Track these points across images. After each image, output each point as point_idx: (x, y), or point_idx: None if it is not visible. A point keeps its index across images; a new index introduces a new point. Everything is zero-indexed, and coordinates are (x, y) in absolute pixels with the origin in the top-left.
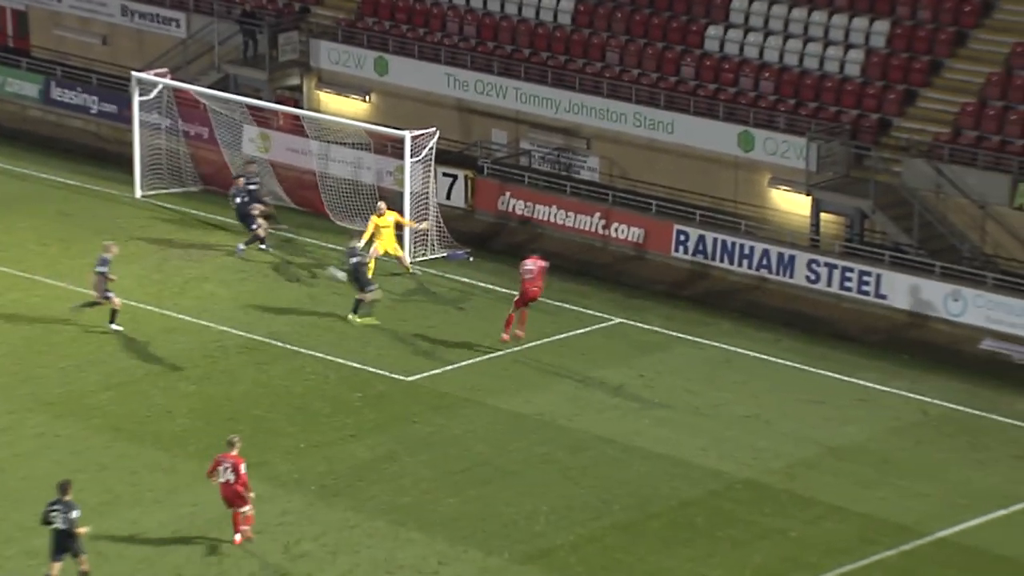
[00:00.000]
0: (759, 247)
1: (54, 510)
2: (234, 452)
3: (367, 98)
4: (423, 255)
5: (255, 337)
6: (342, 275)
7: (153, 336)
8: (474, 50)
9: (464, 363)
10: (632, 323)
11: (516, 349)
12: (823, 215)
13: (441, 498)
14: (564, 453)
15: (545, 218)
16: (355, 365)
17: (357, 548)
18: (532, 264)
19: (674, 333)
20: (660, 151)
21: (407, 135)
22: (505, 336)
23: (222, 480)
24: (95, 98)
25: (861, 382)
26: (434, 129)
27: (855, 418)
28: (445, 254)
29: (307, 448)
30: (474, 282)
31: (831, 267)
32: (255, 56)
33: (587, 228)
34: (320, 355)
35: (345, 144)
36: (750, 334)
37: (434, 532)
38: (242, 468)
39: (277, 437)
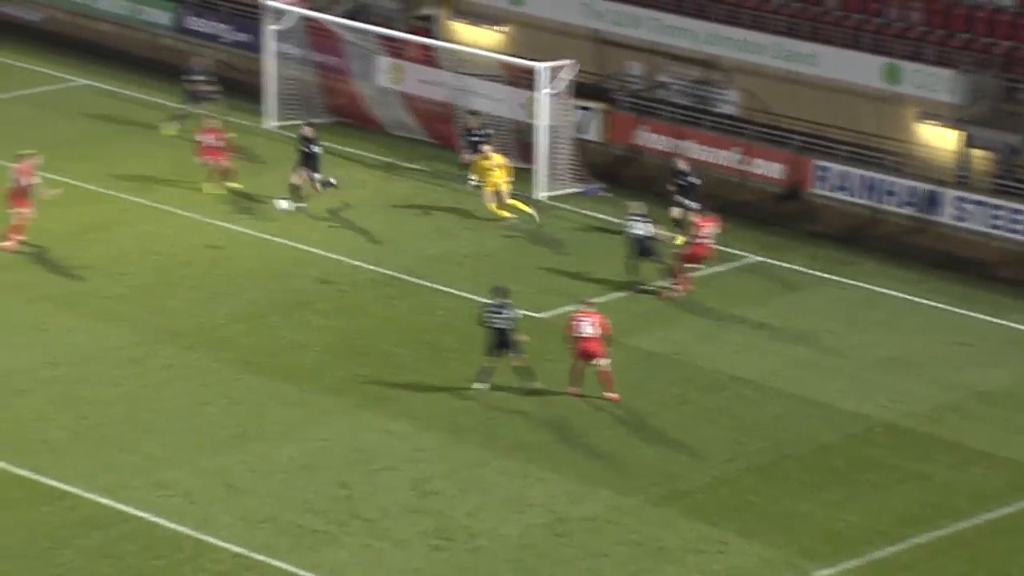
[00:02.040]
0: (904, 184)
1: (493, 311)
2: (586, 309)
3: (502, 29)
4: (559, 189)
5: (386, 271)
6: (285, 204)
7: (283, 269)
8: None
9: (598, 300)
10: (772, 262)
11: (651, 286)
12: (972, 150)
13: (573, 437)
14: (699, 393)
15: (683, 152)
16: (486, 301)
17: (487, 486)
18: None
19: (815, 272)
20: (801, 84)
21: (542, 67)
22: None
23: (584, 334)
24: (227, 27)
25: (1011, 324)
26: (571, 61)
27: (1004, 361)
28: (580, 189)
29: (438, 385)
30: (609, 217)
31: (980, 204)
32: None
33: (725, 163)
34: (451, 291)
35: (479, 76)
36: (894, 274)
37: (565, 471)
38: (604, 323)
39: (407, 373)
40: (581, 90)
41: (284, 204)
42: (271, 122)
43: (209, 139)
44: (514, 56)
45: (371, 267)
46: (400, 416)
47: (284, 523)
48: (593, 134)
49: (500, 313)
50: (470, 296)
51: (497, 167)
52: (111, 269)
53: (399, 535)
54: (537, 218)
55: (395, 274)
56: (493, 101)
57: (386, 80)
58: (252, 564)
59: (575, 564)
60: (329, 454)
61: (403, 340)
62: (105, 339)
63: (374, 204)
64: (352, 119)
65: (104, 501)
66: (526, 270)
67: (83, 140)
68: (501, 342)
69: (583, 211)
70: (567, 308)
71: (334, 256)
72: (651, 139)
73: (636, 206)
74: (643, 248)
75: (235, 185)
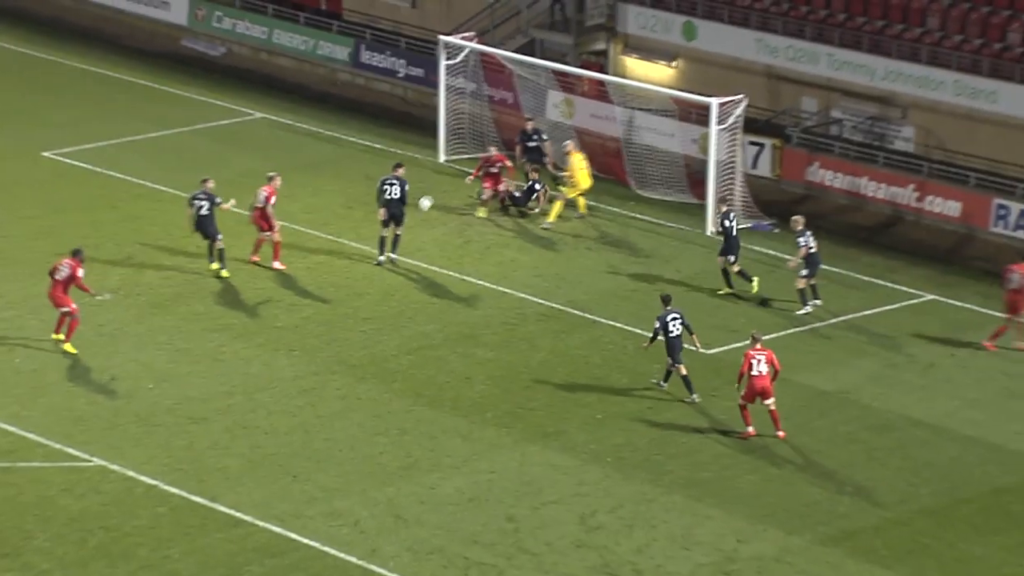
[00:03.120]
0: None
1: (674, 318)
2: (759, 346)
3: (673, 64)
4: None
5: (554, 305)
6: (428, 202)
7: (453, 302)
8: (786, 15)
9: (767, 337)
10: (945, 300)
11: (820, 324)
12: None
13: (740, 475)
14: (869, 433)
15: (855, 190)
16: (669, 310)
17: (654, 522)
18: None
19: (990, 312)
20: (981, 121)
21: (714, 102)
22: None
23: (755, 373)
24: (403, 61)
25: None
26: (742, 96)
27: None
28: (750, 224)
29: (605, 419)
30: (780, 255)
31: None
32: (562, 20)
33: (900, 201)
34: (619, 325)
35: (650, 111)
36: None
37: (733, 509)
38: (774, 360)
39: (574, 407)
40: (753, 126)
41: (427, 202)
42: (443, 156)
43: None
44: (685, 91)
45: (540, 300)
46: (566, 450)
47: (451, 555)
48: (764, 170)
49: (678, 319)
50: (637, 331)
51: (582, 170)
52: (286, 300)
53: (565, 569)
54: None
55: (563, 308)
56: (663, 136)
57: (557, 114)
58: None
59: None
60: (496, 487)
61: (570, 374)
62: (280, 369)
63: (543, 237)
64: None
65: (277, 529)
66: (693, 306)
67: (259, 173)
68: (674, 348)
69: (752, 247)
70: (735, 345)
71: (503, 289)
72: (824, 176)
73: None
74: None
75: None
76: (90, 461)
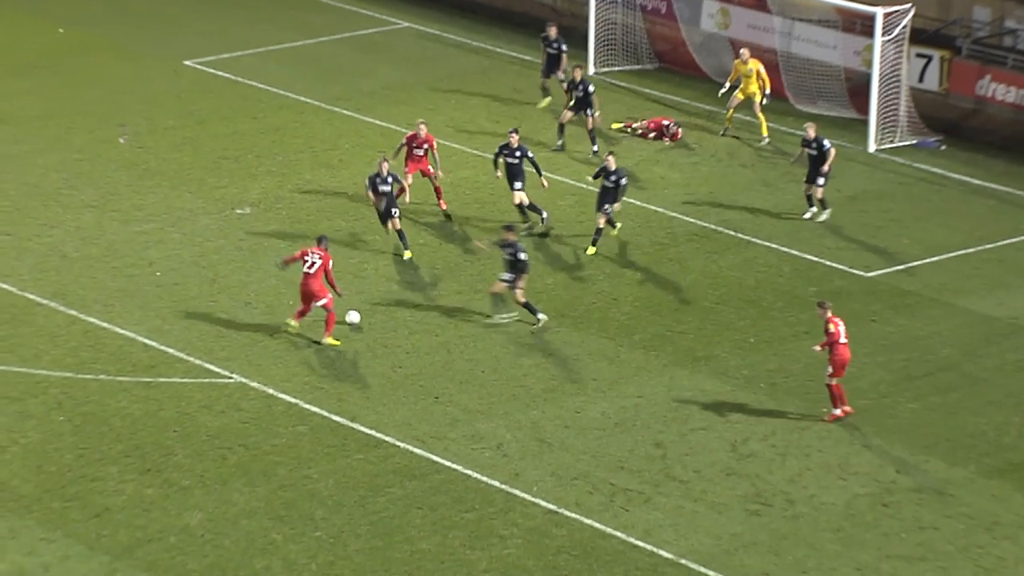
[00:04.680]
0: None
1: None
2: (831, 314)
3: None
4: (890, 142)
5: (706, 225)
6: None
7: None
8: None
9: (930, 260)
10: None
11: (988, 247)
12: None
13: (901, 403)
14: None
15: None
16: (810, 258)
17: (808, 451)
18: None
19: None
20: None
21: (879, 11)
22: None
23: (843, 341)
24: None
25: None
26: (909, 5)
27: None
28: (915, 141)
29: (757, 343)
30: (946, 173)
31: None
32: None
33: None
34: (774, 246)
35: (811, 21)
36: None
37: (892, 439)
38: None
39: (726, 331)
40: (920, 36)
41: (355, 317)
42: (593, 68)
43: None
44: (849, 1)
45: (691, 220)
46: (716, 375)
47: (596, 480)
48: (931, 84)
49: None
50: (793, 252)
51: (755, 74)
52: (434, 213)
53: (715, 498)
54: (765, 140)
55: (716, 227)
56: (825, 48)
57: (712, 25)
58: (562, 521)
59: (902, 537)
60: (643, 412)
61: (722, 297)
62: (423, 287)
63: (696, 154)
64: (675, 66)
65: (418, 451)
66: (853, 226)
67: (403, 84)
68: None
69: (916, 164)
70: (893, 268)
71: (653, 208)
72: (995, 90)
73: None
74: None
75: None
76: (230, 378)
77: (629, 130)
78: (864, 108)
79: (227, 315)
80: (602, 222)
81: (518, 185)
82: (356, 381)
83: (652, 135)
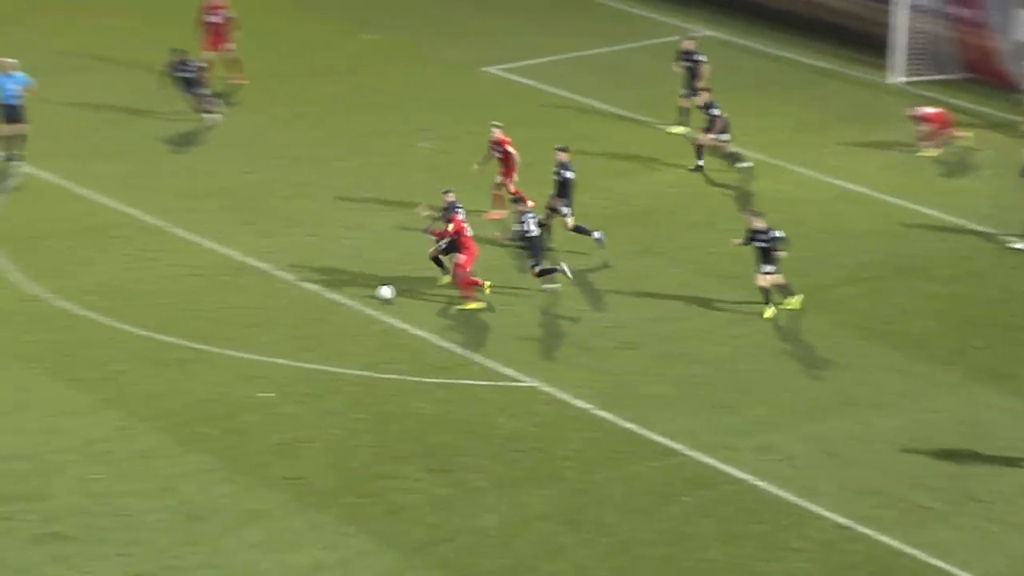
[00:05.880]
0: None
1: None
2: None
3: None
4: None
5: (1009, 238)
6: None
7: (898, 230)
8: None
9: None
10: None
11: None
12: None
13: None
14: None
15: None
16: None
17: None
18: None
19: None
20: None
21: None
22: None
23: None
24: None
25: None
26: None
27: None
28: None
29: None
30: None
31: None
32: None
33: None
34: None
35: None
36: None
37: None
38: None
39: None
40: None
41: (388, 292)
42: (897, 77)
43: None
44: None
45: (994, 232)
46: (1018, 393)
47: (889, 496)
48: None
49: None
50: None
51: None
52: (721, 226)
53: (1017, 519)
54: None
55: (1019, 243)
56: None
57: None
58: (856, 537)
59: None
60: (938, 427)
61: None
62: (713, 295)
63: (998, 165)
64: (984, 75)
65: (708, 460)
66: None
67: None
68: None
69: None
70: None
71: (954, 219)
72: None
73: None
74: None
75: None
76: (524, 382)
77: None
78: None
79: (523, 319)
80: (764, 282)
81: (565, 210)
82: (647, 389)
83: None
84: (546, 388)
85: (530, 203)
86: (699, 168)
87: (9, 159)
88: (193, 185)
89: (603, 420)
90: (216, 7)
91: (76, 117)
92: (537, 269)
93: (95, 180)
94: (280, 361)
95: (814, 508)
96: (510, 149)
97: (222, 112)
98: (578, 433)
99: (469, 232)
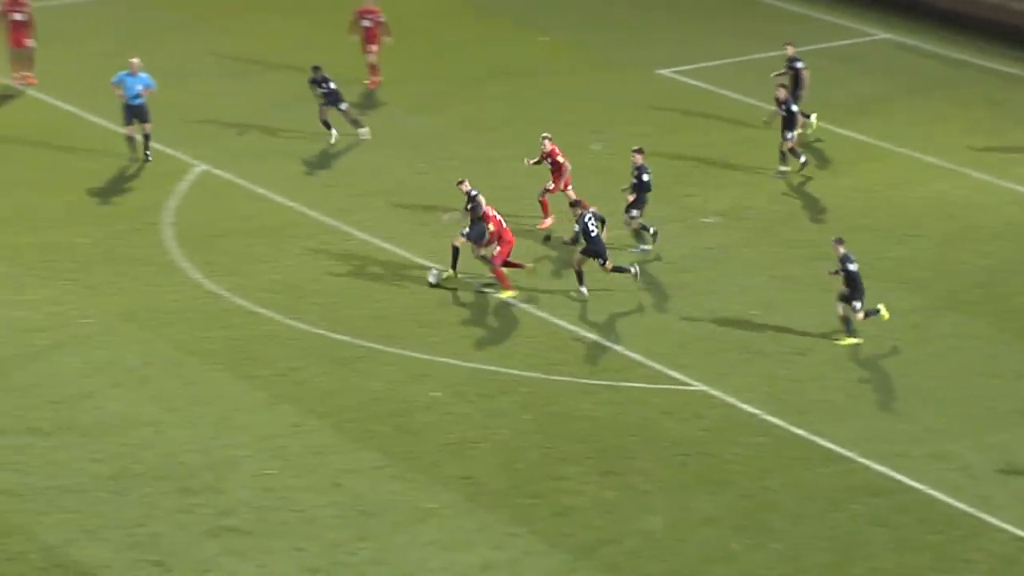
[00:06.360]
0: None
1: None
2: None
3: None
4: None
5: None
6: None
7: None
8: None
9: None
10: None
11: None
12: None
13: None
14: None
15: None
16: None
17: None
18: None
19: None
20: None
21: None
22: None
23: None
24: None
25: None
26: None
27: None
28: None
29: None
30: None
31: None
32: None
33: None
34: None
35: None
36: None
37: None
38: None
39: None
40: None
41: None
42: None
43: None
44: None
45: None
46: None
47: None
48: None
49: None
50: None
51: None
52: (896, 231)
53: None
54: None
55: None
56: None
57: None
58: None
59: None
60: None
61: None
62: (890, 301)
63: None
64: None
65: (880, 468)
66: None
67: (875, 96)
68: None
69: None
70: None
71: None
72: None
73: None
74: None
75: None
76: (692, 385)
77: None
78: None
79: (689, 322)
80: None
81: (635, 212)
82: (817, 394)
83: None
84: (715, 392)
85: (591, 208)
86: (804, 164)
87: (147, 160)
88: (368, 185)
89: (772, 425)
90: (368, 12)
91: (253, 117)
92: (609, 265)
93: (272, 180)
94: (450, 361)
95: (991, 520)
96: (560, 159)
97: (364, 125)
98: (746, 438)
99: (504, 224)
